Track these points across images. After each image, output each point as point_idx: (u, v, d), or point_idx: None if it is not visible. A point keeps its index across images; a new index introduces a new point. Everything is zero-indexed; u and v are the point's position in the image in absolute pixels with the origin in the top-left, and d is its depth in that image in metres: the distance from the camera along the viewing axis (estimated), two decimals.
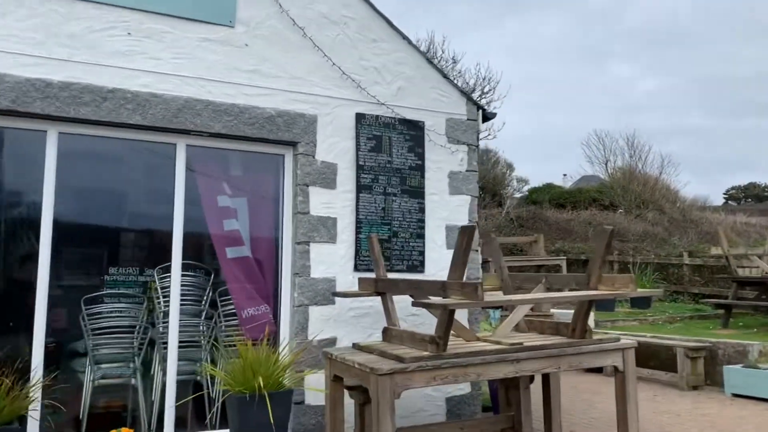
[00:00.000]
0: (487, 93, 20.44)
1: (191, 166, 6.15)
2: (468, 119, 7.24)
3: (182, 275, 6.19)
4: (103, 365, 5.80)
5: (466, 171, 7.18)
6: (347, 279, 6.35)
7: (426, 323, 6.65)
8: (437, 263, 6.85)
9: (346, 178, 6.50)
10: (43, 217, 5.43)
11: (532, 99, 76.12)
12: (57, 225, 5.51)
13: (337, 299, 6.23)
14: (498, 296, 5.30)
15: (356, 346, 5.52)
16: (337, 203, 6.42)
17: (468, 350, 4.97)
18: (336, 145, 6.48)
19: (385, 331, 5.68)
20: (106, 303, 5.87)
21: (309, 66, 6.41)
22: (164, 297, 6.12)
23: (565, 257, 17.10)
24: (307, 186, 6.30)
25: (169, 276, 6.03)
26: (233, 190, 6.51)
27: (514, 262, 17.62)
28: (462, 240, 4.72)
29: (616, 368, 5.47)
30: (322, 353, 5.70)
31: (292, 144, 6.36)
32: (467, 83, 20.45)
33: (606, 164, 36.64)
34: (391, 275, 6.49)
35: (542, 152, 65.28)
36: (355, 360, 4.95)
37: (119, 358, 5.86)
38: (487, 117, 7.41)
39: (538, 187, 32.82)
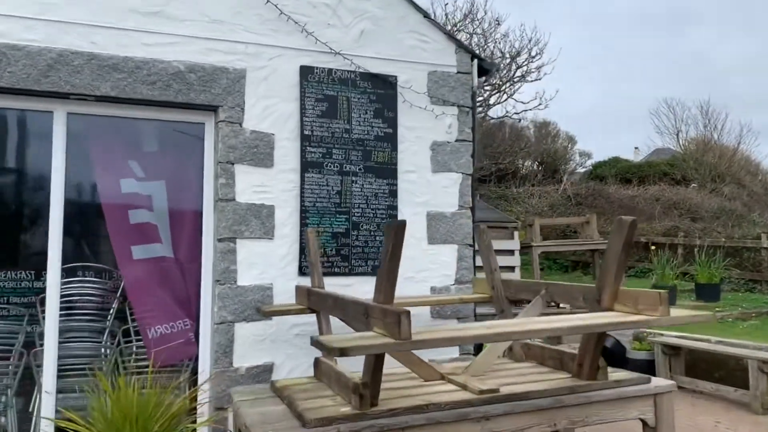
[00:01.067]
0: (534, 57, 18.31)
1: (85, 141, 4.74)
2: (458, 72, 5.51)
3: (80, 281, 4.83)
4: None
5: (456, 141, 5.47)
6: (289, 287, 4.82)
7: None
8: (415, 263, 5.22)
9: (288, 152, 4.93)
10: None
11: (603, 69, 71.93)
12: None
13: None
14: (449, 329, 3.64)
15: (273, 387, 3.99)
16: (274, 186, 4.88)
17: (411, 404, 3.36)
18: (273, 109, 4.92)
19: (316, 364, 4.13)
20: None
21: (234, 4, 4.84)
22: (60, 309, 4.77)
23: None
24: (232, 164, 4.77)
25: (65, 282, 4.68)
26: (146, 172, 5.06)
27: (563, 246, 15.67)
28: (389, 243, 3.10)
29: (644, 423, 3.73)
30: (232, 395, 4.20)
31: (212, 109, 4.83)
32: (513, 46, 18.39)
33: (677, 135, 33.52)
34: (347, 281, 4.92)
35: (612, 125, 61.43)
36: (245, 420, 3.43)
37: None
38: (485, 69, 5.65)
39: (603, 162, 30.28)
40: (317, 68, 5.04)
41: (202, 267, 4.82)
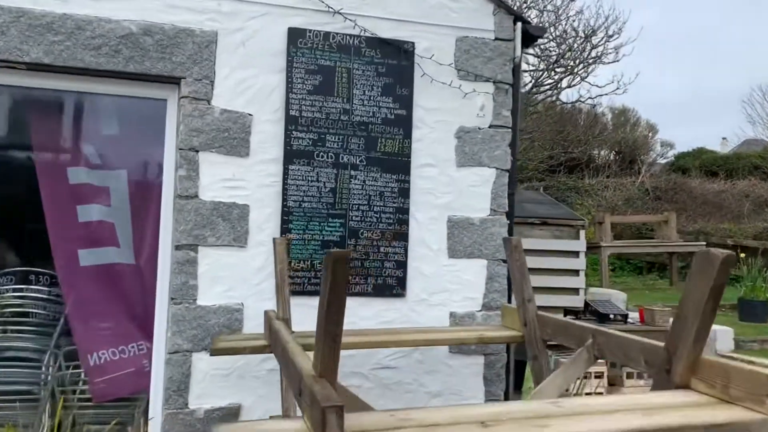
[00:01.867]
0: (612, 37, 16.54)
1: (20, 119, 3.86)
2: (497, 39, 4.30)
3: (17, 290, 3.99)
4: None
5: (491, 127, 4.28)
6: (265, 308, 3.81)
7: (404, 383, 3.99)
8: (431, 282, 4.10)
9: (268, 138, 3.89)
10: None
11: (690, 52, 67.48)
12: None
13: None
14: None
15: None
16: (250, 181, 3.85)
17: None
18: (250, 83, 3.88)
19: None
20: None
21: None
22: None
23: (704, 242, 13.22)
24: (196, 151, 3.78)
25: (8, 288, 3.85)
26: (104, 159, 4.15)
27: (635, 247, 14.08)
28: (326, 284, 2.01)
29: None
30: None
31: (174, 81, 3.84)
32: (588, 24, 16.68)
33: None
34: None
35: (697, 114, 57.36)
36: None
37: None
38: (532, 35, 4.40)
39: (686, 153, 27.90)
40: (310, 31, 3.96)
41: (157, 280, 3.86)
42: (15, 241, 4.09)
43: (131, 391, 3.97)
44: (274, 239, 3.43)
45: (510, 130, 4.31)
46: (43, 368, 4.00)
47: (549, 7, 16.47)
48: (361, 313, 3.98)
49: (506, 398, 4.16)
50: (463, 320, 4.13)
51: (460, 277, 4.16)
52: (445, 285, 4.13)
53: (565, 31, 16.69)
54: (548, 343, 3.42)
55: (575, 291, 8.53)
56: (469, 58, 4.23)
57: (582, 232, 12.98)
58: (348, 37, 4.01)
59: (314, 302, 3.82)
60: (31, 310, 4.11)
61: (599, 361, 3.68)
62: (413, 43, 4.12)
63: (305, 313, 3.79)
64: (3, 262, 4.17)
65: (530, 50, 4.60)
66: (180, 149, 3.76)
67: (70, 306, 3.93)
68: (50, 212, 3.93)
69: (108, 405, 3.96)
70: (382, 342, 3.43)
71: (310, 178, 3.91)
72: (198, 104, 3.78)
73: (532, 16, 15.82)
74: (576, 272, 12.31)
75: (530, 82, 15.90)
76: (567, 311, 7.41)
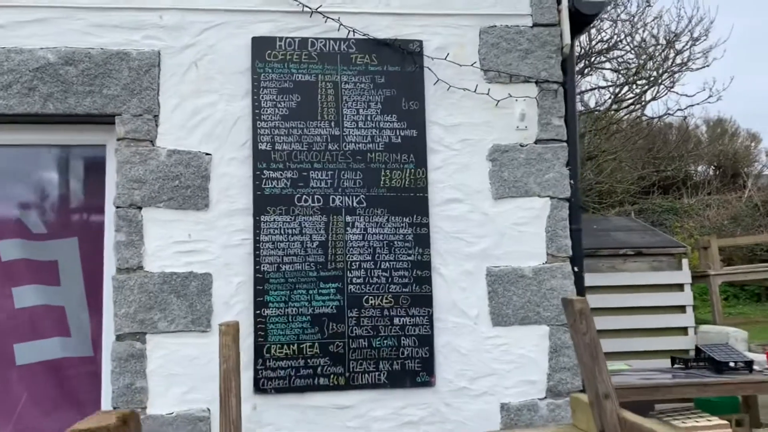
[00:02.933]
0: (698, 39, 14.83)
1: None
2: (536, 25, 3.20)
3: None
4: None
5: (537, 142, 3.14)
6: (244, 413, 2.78)
7: None
8: (471, 362, 2.95)
9: (234, 182, 2.93)
10: None
11: None
12: None
13: None
14: None
15: None
16: (211, 241, 2.89)
17: None
18: (207, 113, 2.95)
19: None
20: None
21: None
22: None
23: None
24: (138, 209, 2.86)
25: None
26: (49, 226, 3.32)
27: (754, 272, 12.16)
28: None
29: None
30: None
31: (109, 120, 2.96)
32: (669, 30, 15.07)
33: None
34: (343, 399, 2.80)
35: None
36: None
37: None
38: (584, 15, 3.24)
39: None
40: (281, 39, 3.01)
41: (102, 382, 2.92)
42: None
43: None
44: (220, 326, 2.41)
45: (565, 144, 3.15)
46: None
47: (623, 16, 15.05)
48: (374, 413, 2.88)
49: None
50: (520, 414, 2.94)
51: (511, 353, 2.99)
52: (491, 365, 2.97)
53: (644, 40, 15.17)
54: None
55: (683, 330, 7.12)
56: (500, 53, 3.14)
57: (685, 261, 11.17)
58: (332, 42, 3.03)
59: (309, 401, 2.80)
60: None
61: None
62: (421, 41, 3.08)
63: (295, 419, 2.75)
64: None
65: (584, 37, 3.42)
66: (117, 207, 2.86)
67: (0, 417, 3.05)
68: None
69: None
70: None
71: (290, 231, 2.90)
72: (138, 146, 2.88)
73: (605, 27, 14.47)
74: (682, 308, 10.48)
75: (610, 98, 14.45)
76: (674, 357, 5.96)
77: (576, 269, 3.14)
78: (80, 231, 3.34)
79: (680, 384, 4.11)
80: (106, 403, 2.87)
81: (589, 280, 6.65)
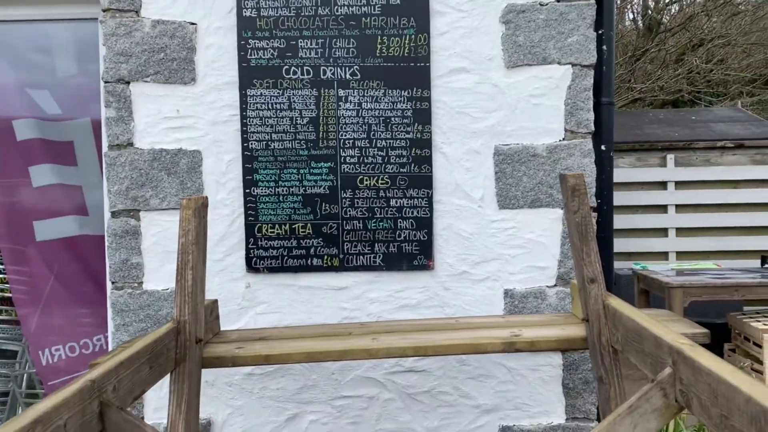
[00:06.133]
0: None
1: None
2: None
3: None
4: None
5: (560, 1, 2.72)
6: (232, 291, 2.77)
7: (437, 392, 2.76)
8: (473, 246, 2.75)
9: (221, 54, 2.76)
10: None
11: None
12: None
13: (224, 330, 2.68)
14: None
15: None
16: (200, 117, 2.78)
17: None
18: None
19: None
20: None
21: None
22: None
23: None
24: (126, 83, 2.77)
25: None
26: (63, 106, 3.33)
27: None
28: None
29: None
30: None
31: None
32: None
33: None
34: (337, 280, 2.72)
35: None
36: None
37: None
38: None
39: None
40: None
41: (106, 258, 2.97)
42: None
43: None
44: (180, 199, 2.31)
45: (593, 1, 2.71)
46: (17, 365, 3.39)
47: None
48: (370, 295, 2.77)
49: (600, 417, 2.72)
50: (525, 301, 2.73)
51: (518, 237, 2.75)
52: (496, 250, 2.75)
53: None
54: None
55: None
56: None
57: None
58: None
59: (303, 281, 2.73)
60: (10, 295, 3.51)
61: None
62: None
63: (288, 298, 2.71)
64: None
65: None
66: (106, 82, 2.78)
67: (20, 291, 3.21)
68: None
69: None
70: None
71: (278, 106, 2.72)
72: (123, 17, 2.75)
73: None
74: None
75: None
76: (765, 257, 5.44)
77: (604, 147, 2.79)
78: (92, 111, 3.33)
79: (763, 284, 3.74)
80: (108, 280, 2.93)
81: (681, 174, 6.11)
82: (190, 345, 2.03)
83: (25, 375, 3.39)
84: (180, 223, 2.15)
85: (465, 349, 2.09)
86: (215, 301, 2.44)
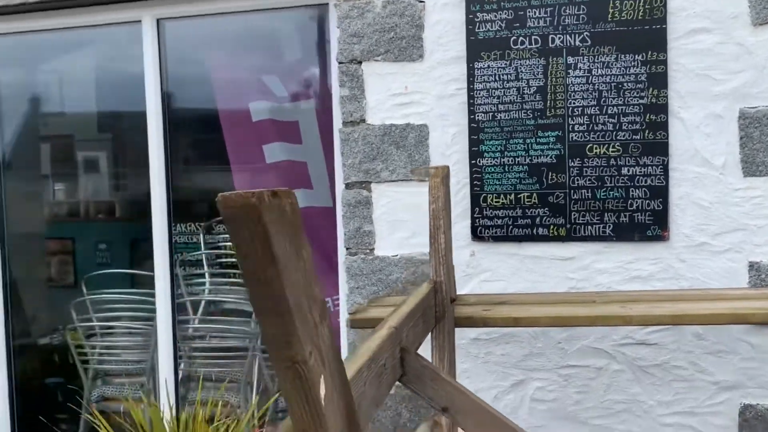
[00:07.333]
0: None
1: (195, 56, 3.54)
2: None
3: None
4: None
5: None
6: (457, 258, 2.87)
7: (671, 366, 2.70)
8: (713, 216, 2.63)
9: (448, 29, 2.85)
10: None
11: None
12: None
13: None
14: None
15: None
16: (426, 92, 2.89)
17: None
18: None
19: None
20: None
21: None
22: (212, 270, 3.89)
23: None
24: (359, 63, 2.95)
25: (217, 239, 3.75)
26: (289, 88, 3.64)
27: None
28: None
29: None
30: None
31: None
32: None
33: None
34: (563, 250, 2.74)
35: None
36: None
37: (130, 369, 3.90)
38: None
39: None
40: None
41: (337, 226, 3.20)
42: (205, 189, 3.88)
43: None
44: (429, 169, 2.42)
45: None
46: (252, 323, 3.76)
47: None
48: (598, 266, 2.74)
49: None
50: None
51: (766, 207, 2.57)
52: (740, 220, 2.59)
53: None
54: None
55: None
56: None
57: None
58: None
59: (527, 251, 2.77)
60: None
61: None
62: None
63: (512, 267, 2.76)
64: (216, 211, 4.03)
65: None
66: (340, 63, 2.98)
67: None
68: (234, 155, 3.57)
69: None
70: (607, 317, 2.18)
71: (505, 78, 2.76)
72: (356, 0, 2.92)
73: None
74: None
75: None
76: None
77: None
78: (315, 92, 3.59)
79: None
80: (341, 246, 3.15)
81: None
82: (446, 304, 2.14)
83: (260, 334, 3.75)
84: (429, 191, 2.27)
85: (728, 319, 2.02)
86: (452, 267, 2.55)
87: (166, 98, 3.38)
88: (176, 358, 3.46)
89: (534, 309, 2.25)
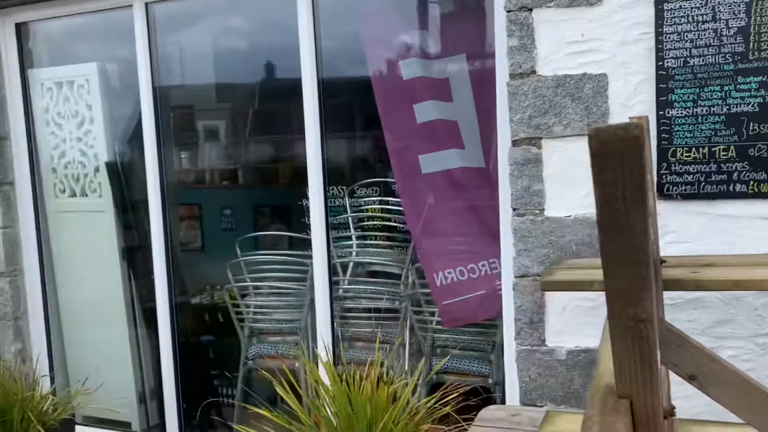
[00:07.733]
0: None
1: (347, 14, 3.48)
2: None
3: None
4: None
5: None
6: None
7: None
8: None
9: None
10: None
11: None
12: None
13: None
14: None
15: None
16: (605, 39, 2.68)
17: None
18: None
19: None
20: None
21: None
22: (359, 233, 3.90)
23: None
24: (529, 10, 2.78)
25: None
26: (440, 44, 3.52)
27: None
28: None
29: None
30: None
31: None
32: None
33: None
34: (766, 207, 2.51)
35: None
36: None
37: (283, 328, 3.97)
38: None
39: None
40: None
41: (499, 186, 3.07)
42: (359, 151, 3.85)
43: (484, 316, 3.38)
44: (630, 119, 2.23)
45: None
46: (402, 285, 3.73)
47: None
48: None
49: None
50: None
51: None
52: None
53: None
54: None
55: None
56: None
57: None
58: None
59: (720, 209, 2.56)
60: (394, 224, 3.88)
61: None
62: None
63: (702, 227, 2.55)
64: (366, 173, 4.02)
65: None
66: (508, 11, 2.81)
67: (410, 219, 3.49)
68: (386, 115, 3.50)
69: (465, 330, 3.47)
70: None
71: (700, 18, 2.50)
72: None
73: None
74: None
75: None
76: None
77: None
78: (467, 46, 3.44)
79: None
80: (505, 207, 3.02)
81: None
82: (657, 266, 1.98)
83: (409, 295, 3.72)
84: (640, 148, 2.09)
85: None
86: None
87: (320, 64, 3.35)
88: (333, 318, 3.49)
89: (752, 271, 2.05)
